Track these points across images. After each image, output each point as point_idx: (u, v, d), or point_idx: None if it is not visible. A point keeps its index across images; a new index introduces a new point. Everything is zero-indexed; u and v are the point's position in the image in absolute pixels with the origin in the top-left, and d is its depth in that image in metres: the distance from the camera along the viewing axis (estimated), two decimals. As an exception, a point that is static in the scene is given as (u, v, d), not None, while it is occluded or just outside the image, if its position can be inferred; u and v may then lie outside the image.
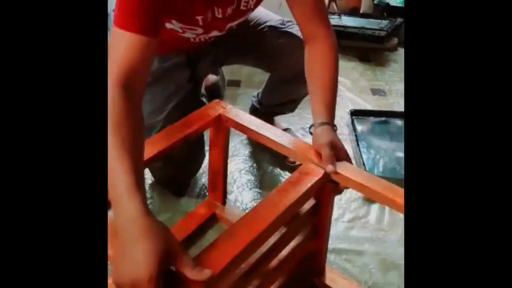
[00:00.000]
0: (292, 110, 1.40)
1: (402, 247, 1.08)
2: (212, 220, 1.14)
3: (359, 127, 1.54)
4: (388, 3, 2.35)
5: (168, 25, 0.99)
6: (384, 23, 2.20)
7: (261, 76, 1.74)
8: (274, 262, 0.81)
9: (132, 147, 0.63)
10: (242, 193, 1.27)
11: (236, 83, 1.83)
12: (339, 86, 1.79)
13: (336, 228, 1.16)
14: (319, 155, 0.81)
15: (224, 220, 1.13)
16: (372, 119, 1.60)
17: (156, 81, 1.13)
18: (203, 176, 1.29)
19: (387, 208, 1.22)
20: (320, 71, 0.90)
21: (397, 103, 1.73)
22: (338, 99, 1.81)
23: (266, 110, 1.40)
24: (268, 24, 1.19)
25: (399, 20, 2.19)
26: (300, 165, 0.82)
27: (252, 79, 1.83)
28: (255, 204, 1.24)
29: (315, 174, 0.78)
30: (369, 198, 1.24)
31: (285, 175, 1.35)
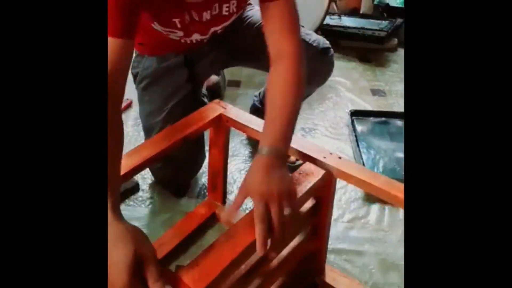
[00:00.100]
0: None
1: (402, 247, 1.08)
2: (212, 220, 1.14)
3: (359, 128, 1.54)
4: (388, 4, 2.35)
5: (154, 26, 0.99)
6: (384, 23, 2.20)
7: (261, 77, 1.75)
8: (274, 262, 0.81)
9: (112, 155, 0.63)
10: (242, 193, 1.27)
11: (236, 84, 1.83)
12: (339, 87, 1.81)
13: (336, 228, 1.16)
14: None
15: (224, 220, 1.13)
16: (372, 119, 1.60)
17: (154, 82, 1.13)
18: (203, 176, 1.29)
19: (387, 209, 1.22)
20: (277, 93, 0.80)
21: (397, 104, 1.74)
22: (338, 99, 1.82)
23: None
24: None
25: (399, 20, 2.20)
26: (300, 165, 0.83)
27: (252, 80, 1.83)
28: (255, 204, 1.24)
29: (315, 174, 0.78)
30: (369, 198, 1.24)
31: (285, 175, 1.35)
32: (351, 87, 1.84)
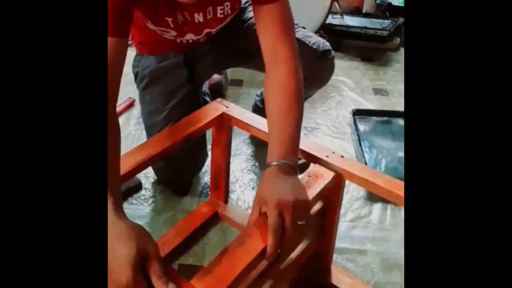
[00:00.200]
0: None
1: (404, 246, 1.08)
2: (214, 219, 1.14)
3: (361, 127, 1.54)
4: (390, 3, 2.35)
5: (148, 26, 0.99)
6: (386, 23, 2.20)
7: (263, 76, 1.75)
8: (283, 265, 0.81)
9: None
10: (244, 192, 1.27)
11: (238, 83, 1.83)
12: (341, 86, 1.81)
13: (339, 227, 1.15)
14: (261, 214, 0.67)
15: (226, 219, 1.13)
16: (374, 118, 1.60)
17: (155, 81, 1.13)
18: (205, 175, 1.29)
19: (389, 208, 1.22)
20: (277, 103, 0.79)
21: (399, 103, 1.73)
22: (340, 98, 1.82)
23: None
24: None
25: (402, 19, 2.19)
26: (303, 164, 0.82)
27: (255, 79, 1.83)
28: (257, 203, 1.24)
29: (324, 177, 0.78)
30: (371, 198, 1.24)
31: (287, 175, 1.35)
32: (353, 86, 1.84)
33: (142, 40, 1.12)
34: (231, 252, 0.63)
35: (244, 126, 0.93)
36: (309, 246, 0.87)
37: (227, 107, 0.97)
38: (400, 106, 1.70)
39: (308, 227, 0.84)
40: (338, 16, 2.27)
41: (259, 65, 1.25)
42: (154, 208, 1.20)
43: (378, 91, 1.83)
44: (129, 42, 0.88)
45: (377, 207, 1.23)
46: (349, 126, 1.56)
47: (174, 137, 0.87)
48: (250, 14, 1.17)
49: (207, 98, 1.46)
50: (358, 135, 1.47)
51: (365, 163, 1.33)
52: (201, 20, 0.97)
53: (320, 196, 0.77)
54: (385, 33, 2.09)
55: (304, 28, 1.18)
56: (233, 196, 1.24)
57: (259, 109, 1.42)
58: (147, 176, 1.29)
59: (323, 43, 1.16)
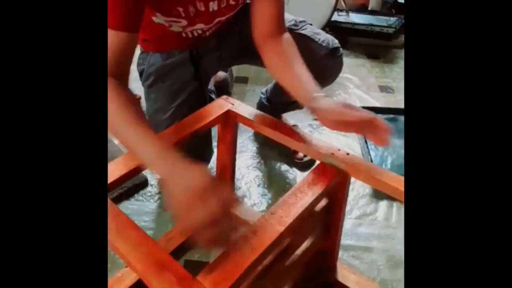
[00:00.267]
0: (301, 107, 1.40)
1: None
2: (220, 215, 1.14)
3: (367, 124, 1.54)
4: (396, 0, 2.34)
5: (155, 19, 0.99)
6: (392, 20, 2.20)
7: (269, 73, 1.75)
8: (288, 261, 0.81)
9: (141, 118, 0.70)
10: (250, 189, 1.27)
11: (244, 80, 1.83)
12: (347, 83, 1.81)
13: (344, 224, 1.15)
14: (344, 124, 0.78)
15: (232, 215, 1.13)
16: (380, 116, 1.59)
17: (160, 79, 1.13)
18: (211, 172, 1.29)
19: (395, 205, 1.22)
20: (291, 59, 0.89)
21: (405, 100, 1.73)
22: (346, 96, 1.81)
23: (276, 107, 1.40)
24: None
25: (408, 17, 2.18)
26: (308, 161, 0.82)
27: (260, 76, 1.83)
28: (263, 200, 1.24)
29: (330, 174, 0.78)
30: (377, 195, 1.24)
31: (293, 171, 1.35)
32: (359, 83, 1.84)
33: (147, 38, 1.12)
34: (237, 249, 0.63)
35: (249, 123, 0.93)
36: (314, 243, 0.87)
37: (233, 104, 0.97)
38: (406, 104, 1.70)
39: (313, 220, 0.84)
40: (344, 13, 2.26)
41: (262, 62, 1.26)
42: (160, 204, 1.20)
43: (384, 89, 1.82)
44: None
45: (383, 204, 1.23)
46: (354, 124, 1.55)
47: (179, 134, 0.88)
48: None
49: (213, 96, 1.46)
50: (363, 132, 1.46)
51: (371, 161, 1.33)
52: (215, 8, 0.97)
53: (325, 193, 0.77)
54: (391, 30, 2.09)
55: (311, 25, 1.18)
56: (239, 193, 1.24)
57: (265, 106, 1.42)
58: (153, 173, 1.29)
59: (332, 41, 1.16)
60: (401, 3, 2.32)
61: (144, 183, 1.25)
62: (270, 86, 1.41)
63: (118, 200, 1.18)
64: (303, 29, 1.16)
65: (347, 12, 2.27)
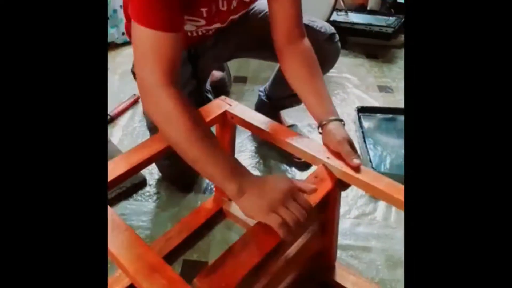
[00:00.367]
0: (300, 102, 1.40)
1: (409, 243, 1.08)
2: (219, 215, 1.14)
3: (366, 124, 1.54)
4: (395, 0, 2.34)
5: None
6: (391, 20, 2.19)
7: (268, 72, 1.75)
8: (283, 261, 0.81)
9: (207, 134, 0.73)
10: (248, 189, 1.27)
11: (242, 79, 1.83)
12: (346, 83, 1.81)
13: (343, 224, 1.15)
14: (335, 153, 0.81)
15: (231, 215, 1.13)
16: (379, 116, 1.60)
17: None
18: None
19: (393, 205, 1.22)
20: (313, 70, 0.90)
21: (404, 100, 1.73)
22: (345, 95, 1.81)
23: (275, 103, 1.39)
24: None
25: (407, 16, 2.18)
26: (306, 161, 0.82)
27: (259, 75, 1.83)
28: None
29: (328, 181, 0.78)
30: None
31: (292, 171, 1.35)
32: (358, 83, 1.83)
33: None
34: (236, 252, 0.63)
35: (246, 124, 0.93)
36: (309, 241, 0.86)
37: (230, 105, 0.97)
38: (405, 103, 1.70)
39: (308, 219, 0.84)
40: (343, 13, 2.26)
41: (264, 55, 1.25)
42: (159, 204, 1.20)
43: (383, 88, 1.82)
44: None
45: (382, 204, 1.23)
46: (353, 123, 1.56)
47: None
48: (254, 5, 1.17)
49: (209, 95, 1.46)
50: (362, 132, 1.46)
51: (370, 161, 1.33)
52: (235, 5, 0.98)
53: (325, 198, 0.77)
54: (390, 30, 2.09)
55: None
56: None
57: (264, 103, 1.42)
58: (152, 173, 1.29)
59: (329, 27, 1.18)
60: (400, 3, 2.32)
61: (143, 183, 1.25)
62: (268, 83, 1.40)
63: (116, 200, 1.17)
64: None
65: (346, 11, 2.27)
